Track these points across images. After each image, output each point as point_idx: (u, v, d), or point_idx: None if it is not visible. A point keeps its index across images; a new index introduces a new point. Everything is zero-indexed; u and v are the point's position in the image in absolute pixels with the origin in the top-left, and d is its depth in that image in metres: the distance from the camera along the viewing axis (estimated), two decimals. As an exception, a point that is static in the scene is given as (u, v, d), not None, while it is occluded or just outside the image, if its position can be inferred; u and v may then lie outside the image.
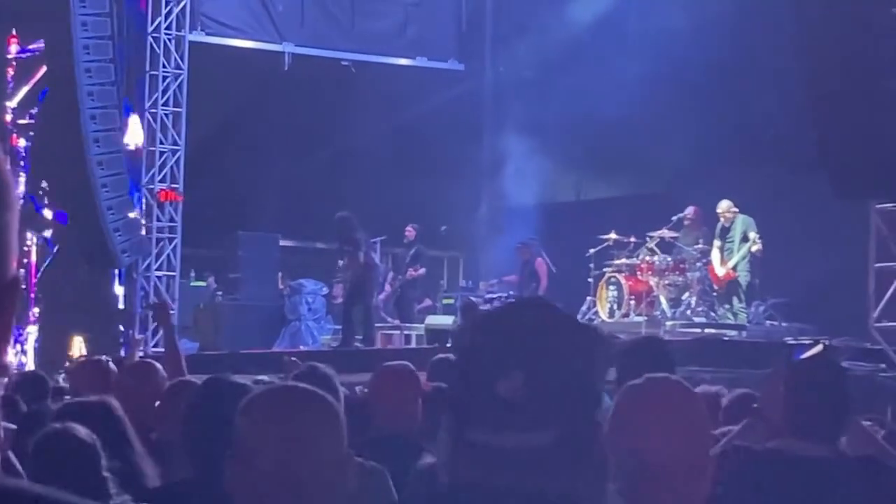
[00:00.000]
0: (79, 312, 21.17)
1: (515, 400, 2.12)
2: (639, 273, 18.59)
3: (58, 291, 21.99)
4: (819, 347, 4.62)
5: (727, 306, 17.99)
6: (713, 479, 2.92)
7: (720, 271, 17.96)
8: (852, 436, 4.43)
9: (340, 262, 18.51)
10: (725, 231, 17.98)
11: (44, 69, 21.87)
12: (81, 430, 4.27)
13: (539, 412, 2.13)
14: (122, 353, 19.26)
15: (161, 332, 15.95)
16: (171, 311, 18.70)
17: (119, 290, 21.23)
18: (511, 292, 20.05)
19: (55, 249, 22.18)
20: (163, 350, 8.99)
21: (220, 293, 22.75)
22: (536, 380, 2.12)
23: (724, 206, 17.94)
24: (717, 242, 18.02)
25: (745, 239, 17.71)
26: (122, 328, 20.89)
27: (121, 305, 21.19)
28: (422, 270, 20.87)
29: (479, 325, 2.29)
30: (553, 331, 2.20)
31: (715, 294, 18.13)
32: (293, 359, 8.33)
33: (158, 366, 6.30)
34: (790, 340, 11.16)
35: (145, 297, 20.26)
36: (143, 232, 20.62)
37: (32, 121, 23.03)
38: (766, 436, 4.53)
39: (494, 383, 2.13)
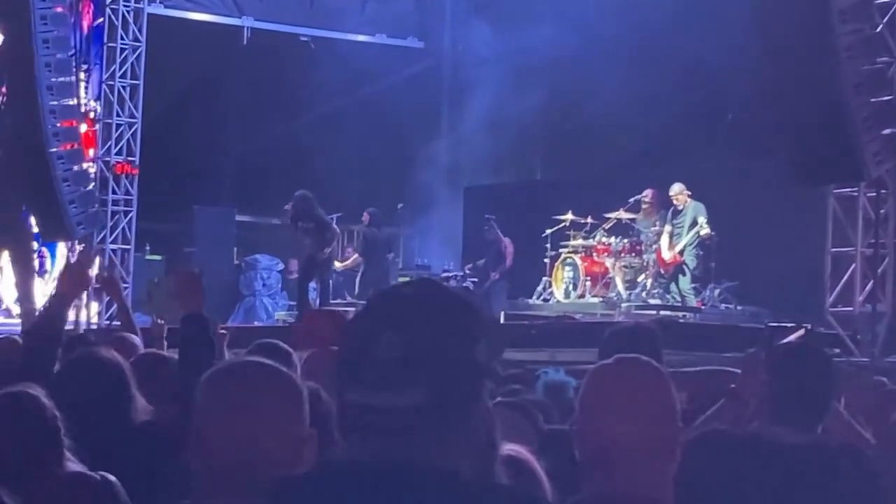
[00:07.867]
0: None
1: (388, 359, 2.22)
2: (595, 254, 18.63)
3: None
4: (801, 332, 4.64)
5: (674, 289, 18.06)
6: (678, 459, 2.93)
7: (667, 255, 18.00)
8: (831, 423, 4.46)
9: (307, 241, 18.27)
10: (676, 214, 18.02)
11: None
12: (108, 353, 4.27)
13: (410, 371, 2.22)
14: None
15: (115, 306, 15.82)
16: (125, 287, 18.65)
17: None
18: (468, 270, 20.06)
19: None
20: (118, 324, 8.94)
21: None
22: (410, 342, 2.23)
23: (676, 189, 17.96)
24: (667, 227, 18.05)
25: (694, 224, 17.75)
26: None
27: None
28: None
29: (367, 299, 2.43)
30: (433, 303, 2.29)
31: (667, 277, 18.21)
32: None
33: (136, 339, 6.26)
34: (771, 323, 11.17)
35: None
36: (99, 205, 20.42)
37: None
38: (742, 418, 4.57)
39: (371, 345, 2.24)
